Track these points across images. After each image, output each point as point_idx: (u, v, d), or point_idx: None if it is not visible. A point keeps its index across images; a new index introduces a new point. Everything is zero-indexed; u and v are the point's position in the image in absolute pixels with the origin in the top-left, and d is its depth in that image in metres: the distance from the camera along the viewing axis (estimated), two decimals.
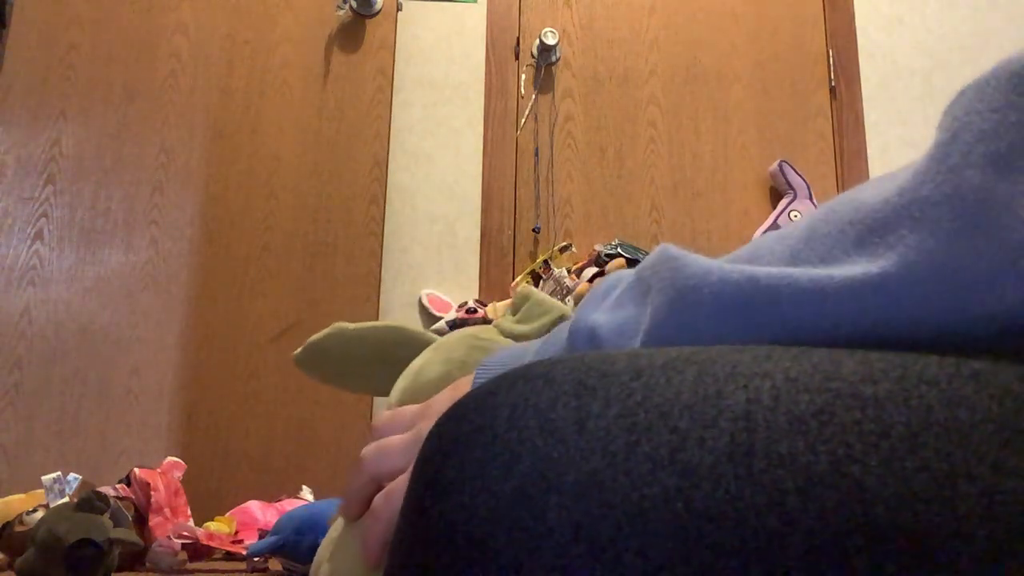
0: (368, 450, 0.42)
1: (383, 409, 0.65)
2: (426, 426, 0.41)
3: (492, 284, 2.25)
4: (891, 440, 0.22)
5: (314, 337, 0.74)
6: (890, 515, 0.21)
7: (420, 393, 0.60)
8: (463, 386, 0.44)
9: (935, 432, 0.22)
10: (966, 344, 0.26)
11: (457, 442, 0.25)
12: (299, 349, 0.75)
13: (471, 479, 0.24)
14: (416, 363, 0.63)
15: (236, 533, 1.34)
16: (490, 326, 0.66)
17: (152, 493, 1.20)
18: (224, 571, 1.15)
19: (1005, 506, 0.21)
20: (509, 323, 0.65)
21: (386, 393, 0.67)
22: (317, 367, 0.77)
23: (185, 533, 1.17)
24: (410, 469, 0.39)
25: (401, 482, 0.39)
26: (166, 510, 1.20)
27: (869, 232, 0.28)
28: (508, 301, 2.17)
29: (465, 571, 0.23)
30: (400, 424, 0.43)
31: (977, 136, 0.26)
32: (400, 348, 0.70)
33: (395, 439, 0.41)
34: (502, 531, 0.23)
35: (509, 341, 0.63)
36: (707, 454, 0.22)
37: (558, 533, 0.22)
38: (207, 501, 1.83)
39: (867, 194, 0.29)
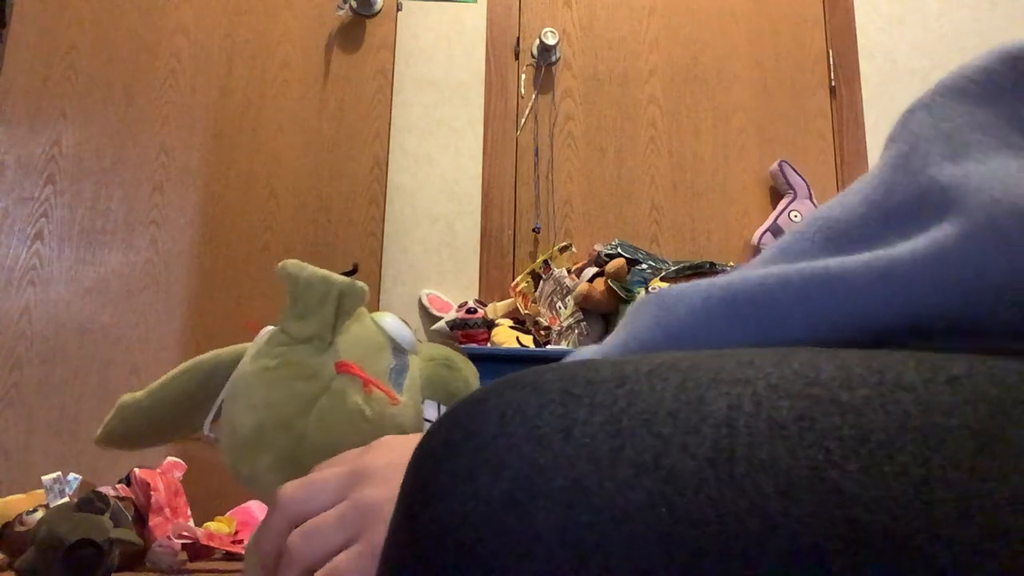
0: (294, 539, 0.38)
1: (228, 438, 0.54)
2: (371, 494, 0.37)
3: (492, 284, 2.25)
4: (870, 445, 0.22)
5: (106, 424, 0.60)
6: (869, 518, 0.21)
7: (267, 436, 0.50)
8: (392, 446, 0.40)
9: (912, 437, 0.22)
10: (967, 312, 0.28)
11: (447, 448, 0.26)
12: (98, 434, 0.61)
13: (460, 485, 0.24)
14: (234, 414, 0.53)
15: (236, 533, 1.34)
16: (279, 332, 0.55)
17: (152, 493, 1.20)
18: (224, 571, 1.15)
19: (981, 509, 0.21)
20: (293, 323, 0.55)
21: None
22: (135, 444, 0.62)
23: (185, 533, 1.17)
24: (353, 548, 0.35)
25: (345, 565, 0.35)
26: (166, 510, 1.21)
27: (853, 243, 0.30)
28: (508, 301, 2.17)
29: None
30: (322, 494, 0.39)
31: (932, 143, 0.30)
32: (212, 379, 0.59)
33: (325, 520, 0.38)
34: (490, 536, 0.23)
35: (303, 357, 0.53)
36: (690, 459, 0.22)
37: (545, 538, 0.22)
38: (207, 501, 1.83)
39: (834, 212, 0.31)
